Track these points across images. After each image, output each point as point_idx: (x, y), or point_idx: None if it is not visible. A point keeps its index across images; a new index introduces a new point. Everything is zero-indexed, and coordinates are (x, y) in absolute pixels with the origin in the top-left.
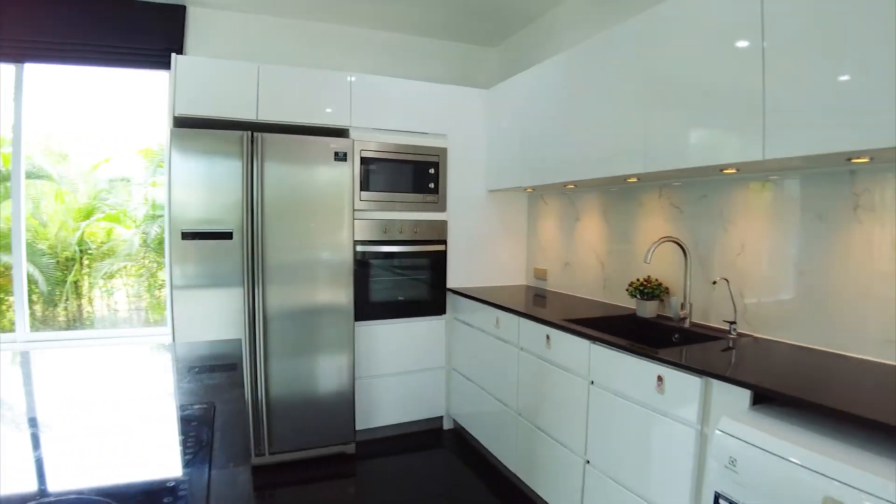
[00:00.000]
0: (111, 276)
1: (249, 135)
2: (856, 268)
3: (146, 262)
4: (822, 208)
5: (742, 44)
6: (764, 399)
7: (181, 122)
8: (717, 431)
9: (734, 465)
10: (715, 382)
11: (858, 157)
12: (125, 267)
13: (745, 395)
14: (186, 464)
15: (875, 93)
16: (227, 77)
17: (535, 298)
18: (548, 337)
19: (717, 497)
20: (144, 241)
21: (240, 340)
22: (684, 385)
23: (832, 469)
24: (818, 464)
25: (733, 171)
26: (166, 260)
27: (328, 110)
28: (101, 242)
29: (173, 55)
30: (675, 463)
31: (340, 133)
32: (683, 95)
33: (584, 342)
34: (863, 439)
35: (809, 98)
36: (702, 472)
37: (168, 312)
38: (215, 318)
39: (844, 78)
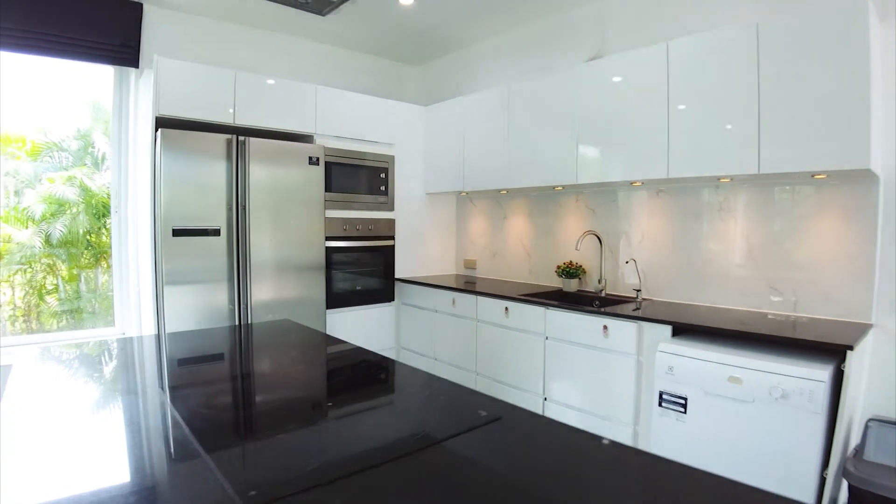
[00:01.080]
0: None
1: (236, 138)
2: (719, 248)
3: (36, 265)
4: (697, 209)
5: (656, 100)
6: (678, 332)
7: (161, 123)
8: (659, 352)
9: (672, 371)
10: (646, 325)
11: (723, 178)
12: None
13: (667, 330)
14: None
15: (730, 143)
16: (206, 81)
17: (474, 283)
18: (506, 309)
19: (661, 394)
20: (47, 242)
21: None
22: (625, 329)
23: (731, 360)
24: (724, 359)
25: (639, 184)
26: (153, 256)
27: (296, 117)
28: None
29: (155, 56)
30: (620, 384)
31: (306, 139)
32: (610, 131)
33: (541, 308)
34: (739, 346)
35: (696, 140)
36: (639, 386)
37: (152, 306)
38: (204, 311)
39: (715, 132)
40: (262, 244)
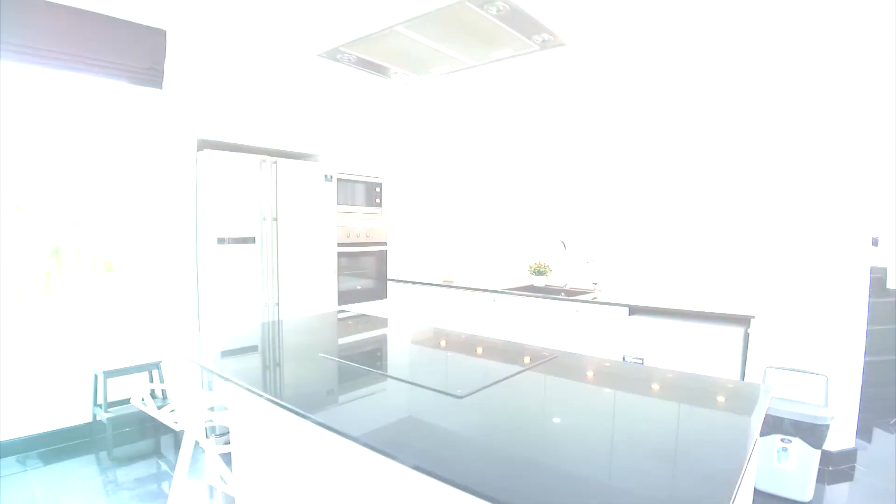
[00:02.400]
0: None
1: (267, 159)
2: (656, 252)
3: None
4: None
5: None
6: (632, 312)
7: (201, 144)
8: (621, 326)
9: (631, 339)
10: (609, 307)
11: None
12: None
13: (625, 310)
14: None
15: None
16: (234, 106)
17: (451, 280)
18: (493, 300)
19: (623, 357)
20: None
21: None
22: (593, 311)
23: (674, 328)
24: (669, 328)
25: None
26: (196, 262)
27: (306, 139)
28: None
29: (192, 82)
30: (589, 353)
31: (312, 158)
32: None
33: (523, 298)
34: (678, 319)
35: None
36: (605, 353)
37: (195, 305)
38: (242, 309)
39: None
40: (288, 250)
